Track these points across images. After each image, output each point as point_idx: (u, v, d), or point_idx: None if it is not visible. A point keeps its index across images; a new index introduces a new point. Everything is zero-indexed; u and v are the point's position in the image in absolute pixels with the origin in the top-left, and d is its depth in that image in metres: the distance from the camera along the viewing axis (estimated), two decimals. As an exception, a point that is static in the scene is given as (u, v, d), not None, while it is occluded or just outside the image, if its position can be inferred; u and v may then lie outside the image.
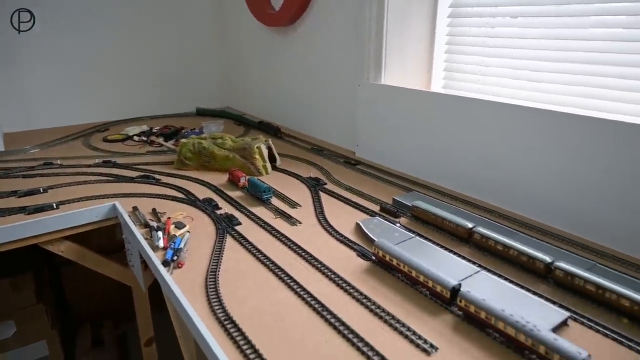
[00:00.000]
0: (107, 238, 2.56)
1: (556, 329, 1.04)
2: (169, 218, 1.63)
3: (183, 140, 2.24)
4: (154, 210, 1.70)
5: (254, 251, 1.42)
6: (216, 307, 1.14)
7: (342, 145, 2.53)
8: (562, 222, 1.54)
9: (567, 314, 1.08)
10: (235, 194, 1.89)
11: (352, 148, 2.44)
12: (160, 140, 2.68)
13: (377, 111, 2.25)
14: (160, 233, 1.48)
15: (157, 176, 2.08)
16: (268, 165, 2.17)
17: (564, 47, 1.67)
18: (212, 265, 1.33)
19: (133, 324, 2.29)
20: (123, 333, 2.94)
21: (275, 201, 1.82)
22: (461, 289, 1.10)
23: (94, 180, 2.04)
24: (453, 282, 1.12)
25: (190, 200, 1.82)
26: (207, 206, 1.75)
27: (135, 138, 2.75)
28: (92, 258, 1.87)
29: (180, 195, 1.88)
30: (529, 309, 1.09)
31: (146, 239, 1.49)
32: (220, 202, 1.81)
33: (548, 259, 1.23)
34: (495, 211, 1.70)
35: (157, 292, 1.65)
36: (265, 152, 2.17)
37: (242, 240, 1.49)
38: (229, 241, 1.49)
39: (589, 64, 1.61)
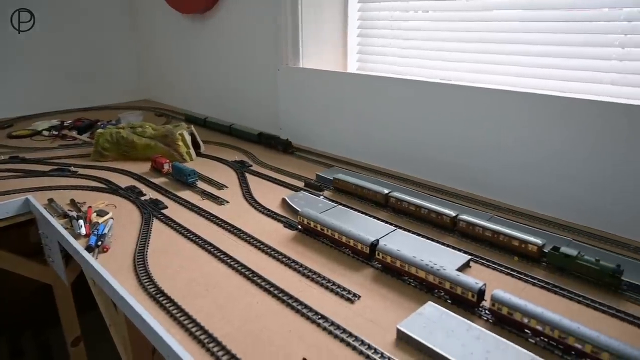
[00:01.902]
0: (21, 242, 2.40)
1: (460, 270, 1.18)
2: (90, 207, 1.59)
3: (99, 130, 2.16)
4: (72, 201, 1.64)
5: (183, 231, 1.43)
6: (147, 284, 1.15)
7: (267, 130, 2.57)
8: (464, 184, 1.72)
9: (468, 257, 1.24)
10: (159, 180, 1.87)
11: (276, 132, 2.50)
12: (74, 133, 2.55)
13: (298, 94, 2.32)
14: (81, 221, 1.44)
15: (73, 168, 1.99)
16: (192, 151, 2.16)
17: (467, 28, 1.85)
18: (140, 247, 1.33)
19: (58, 330, 2.18)
20: (46, 339, 2.77)
21: (201, 184, 1.83)
22: (379, 244, 1.21)
23: (0, 177, 1.91)
24: (371, 238, 1.23)
25: (112, 189, 1.78)
26: (131, 194, 1.72)
27: (45, 133, 2.59)
28: (7, 258, 1.76)
29: (101, 185, 1.83)
30: (437, 256, 1.22)
31: (66, 228, 1.45)
32: (145, 189, 1.78)
33: (453, 213, 1.39)
34: (410, 180, 1.85)
35: (81, 291, 1.61)
36: (188, 138, 2.15)
37: (169, 222, 1.50)
38: (156, 224, 1.49)
39: (488, 43, 1.79)
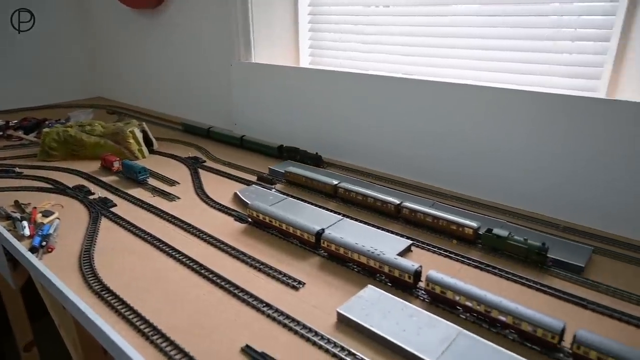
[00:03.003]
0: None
1: (402, 254, 1.24)
2: (35, 208, 1.55)
3: (46, 130, 2.10)
4: (16, 202, 1.60)
5: (131, 228, 1.43)
6: (92, 282, 1.15)
7: (221, 125, 2.57)
8: (412, 173, 1.79)
9: (410, 242, 1.30)
10: (109, 179, 1.85)
11: (231, 127, 2.50)
12: (20, 133, 2.46)
13: (251, 89, 2.33)
14: (25, 222, 1.41)
15: (18, 169, 1.93)
16: (144, 148, 2.14)
17: (410, 22, 1.91)
18: (86, 245, 1.32)
19: (9, 337, 2.12)
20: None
21: (153, 181, 1.82)
22: (324, 233, 1.25)
23: (-60, 180, 1.83)
24: (317, 228, 1.27)
25: (59, 189, 1.74)
26: (79, 193, 1.69)
27: (-13, 134, 2.49)
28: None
29: (48, 185, 1.79)
30: (381, 242, 1.28)
31: (9, 230, 1.42)
32: (93, 187, 1.76)
33: (397, 201, 1.45)
34: (359, 170, 1.90)
35: (32, 297, 1.58)
36: (139, 135, 2.13)
37: (118, 220, 1.49)
38: (104, 222, 1.48)
39: (438, 37, 1.86)
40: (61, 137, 2.07)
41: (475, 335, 0.91)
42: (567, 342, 0.89)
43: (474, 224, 1.29)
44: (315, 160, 1.93)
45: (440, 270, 1.07)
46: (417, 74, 1.90)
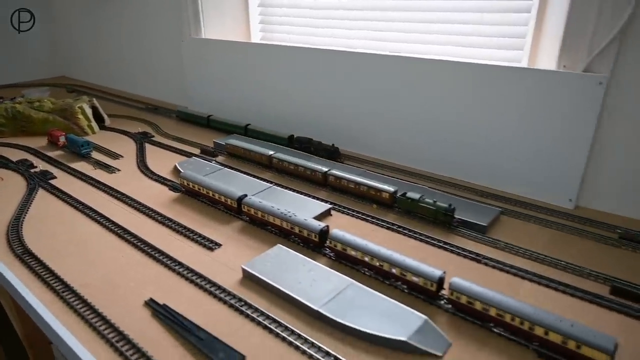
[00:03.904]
0: None
1: (320, 217, 1.30)
2: (-26, 180, 1.58)
3: (-6, 106, 2.11)
4: (-44, 175, 1.63)
5: (66, 198, 1.47)
6: (16, 246, 1.19)
7: (176, 102, 2.59)
8: (351, 144, 1.83)
9: (329, 206, 1.36)
10: (55, 154, 1.87)
11: (185, 103, 2.52)
12: (-27, 111, 2.46)
13: (204, 65, 2.35)
14: (-40, 194, 1.44)
15: (-36, 145, 1.95)
16: (94, 124, 2.16)
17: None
18: (17, 214, 1.35)
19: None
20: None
21: (97, 155, 1.85)
22: (244, 198, 1.30)
23: None
24: (239, 193, 1.32)
25: (2, 163, 1.76)
26: (21, 166, 1.72)
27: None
28: None
29: (-9, 160, 1.81)
30: (303, 208, 1.33)
31: (-56, 201, 1.45)
32: (37, 161, 1.78)
33: (324, 169, 1.50)
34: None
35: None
36: (89, 111, 2.15)
37: (54, 191, 1.52)
38: (41, 193, 1.51)
39: (382, 11, 1.89)
40: (9, 114, 2.08)
41: (364, 286, 0.98)
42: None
43: (390, 189, 1.35)
44: (331, 153, 1.72)
45: (356, 232, 1.13)
46: (358, 47, 1.93)
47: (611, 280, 1.02)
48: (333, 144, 1.74)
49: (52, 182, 1.60)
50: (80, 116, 2.11)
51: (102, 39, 3.06)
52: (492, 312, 0.87)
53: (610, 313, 0.94)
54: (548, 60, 1.45)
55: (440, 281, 0.94)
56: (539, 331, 0.81)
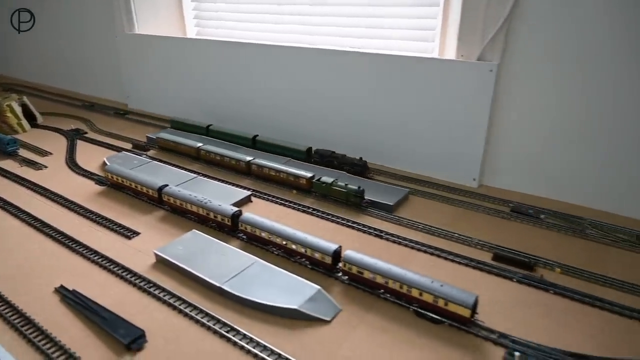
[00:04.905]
0: None
1: (239, 204, 1.35)
2: None
3: None
4: None
5: (-14, 196, 1.47)
6: None
7: (114, 99, 2.58)
8: (279, 134, 1.87)
9: (249, 192, 1.42)
10: (-19, 153, 1.85)
11: (124, 100, 2.51)
12: None
13: (140, 61, 2.35)
14: None
15: None
16: (25, 122, 2.12)
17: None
18: None
19: None
20: None
21: (25, 153, 1.83)
22: (165, 188, 1.34)
23: None
24: (160, 183, 1.36)
25: None
26: (-57, 166, 1.69)
27: None
28: None
29: None
30: (225, 196, 1.39)
31: None
32: (-39, 161, 1.76)
33: (248, 158, 1.56)
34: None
35: None
36: (18, 109, 2.11)
37: (-25, 189, 1.51)
38: (-40, 192, 1.50)
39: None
40: None
41: (268, 263, 1.05)
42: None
43: (307, 174, 1.42)
44: (358, 168, 1.54)
45: (273, 216, 1.19)
46: (286, 41, 1.99)
47: (495, 249, 1.13)
48: (361, 157, 1.57)
49: (-26, 180, 1.58)
50: (9, 114, 2.07)
51: (38, 35, 2.98)
52: (378, 279, 0.95)
53: (489, 276, 1.05)
54: (452, 50, 1.56)
55: (335, 255, 1.02)
56: (415, 293, 0.91)
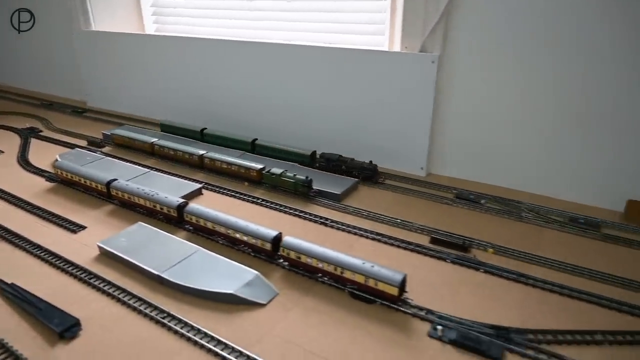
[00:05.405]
0: None
1: (189, 197, 1.36)
2: None
3: None
4: None
5: None
6: None
7: (73, 97, 2.54)
8: (233, 127, 1.89)
9: (199, 185, 1.43)
10: None
11: (83, 98, 2.48)
12: None
13: (99, 59, 2.33)
14: None
15: None
16: (-23, 122, 2.08)
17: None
18: None
19: None
20: None
21: (-24, 152, 1.81)
22: (113, 182, 1.34)
23: None
24: (108, 178, 1.36)
25: None
26: None
27: None
28: None
29: None
30: (176, 189, 1.39)
31: None
32: None
33: (200, 152, 1.57)
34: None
35: None
36: (-30, 108, 2.07)
37: None
38: None
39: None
40: None
41: (209, 252, 1.07)
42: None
43: (257, 166, 1.44)
44: (368, 172, 1.47)
45: (223, 208, 1.21)
46: (242, 37, 2.00)
47: (433, 232, 1.18)
48: (371, 161, 1.50)
49: None
50: (-40, 114, 2.03)
51: (-6, 34, 2.92)
52: (314, 263, 0.98)
53: (425, 258, 1.09)
54: (399, 43, 1.60)
55: (275, 241, 1.05)
56: (348, 274, 0.94)
